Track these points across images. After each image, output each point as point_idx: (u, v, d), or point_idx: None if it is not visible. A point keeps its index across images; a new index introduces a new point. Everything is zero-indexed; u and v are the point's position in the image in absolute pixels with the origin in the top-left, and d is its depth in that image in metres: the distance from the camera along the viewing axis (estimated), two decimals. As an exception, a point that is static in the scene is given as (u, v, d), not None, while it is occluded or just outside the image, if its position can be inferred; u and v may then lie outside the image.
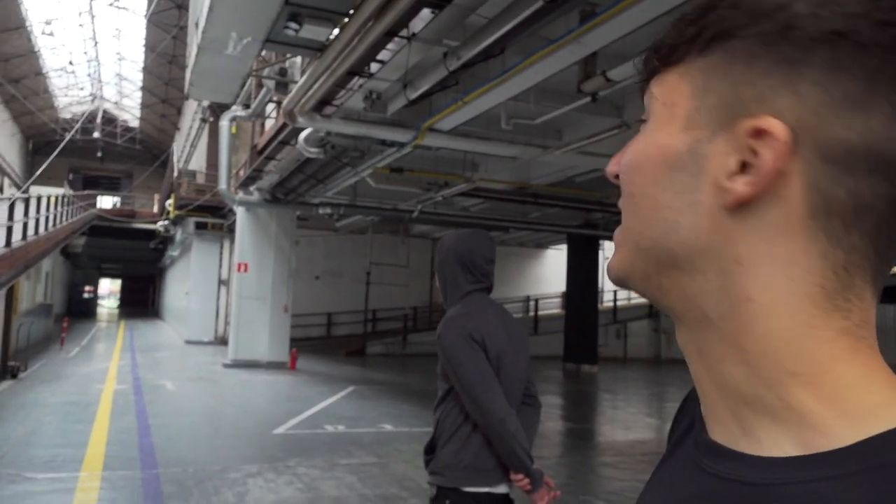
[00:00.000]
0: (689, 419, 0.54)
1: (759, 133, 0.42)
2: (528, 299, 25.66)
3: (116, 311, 51.39)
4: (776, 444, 0.42)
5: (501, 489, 2.32)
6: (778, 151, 0.41)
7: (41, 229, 16.56)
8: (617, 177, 0.51)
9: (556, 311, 23.50)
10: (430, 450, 2.45)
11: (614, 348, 22.98)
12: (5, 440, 7.34)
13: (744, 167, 0.42)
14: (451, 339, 2.32)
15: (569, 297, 20.60)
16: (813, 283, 0.42)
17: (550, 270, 25.80)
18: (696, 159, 0.45)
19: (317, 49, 8.45)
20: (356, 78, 8.62)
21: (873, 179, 0.41)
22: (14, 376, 12.24)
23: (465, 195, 14.61)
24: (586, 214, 17.43)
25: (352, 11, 7.23)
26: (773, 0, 0.43)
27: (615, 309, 24.01)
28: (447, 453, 2.33)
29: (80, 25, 28.12)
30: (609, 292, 23.54)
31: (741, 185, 0.42)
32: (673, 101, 0.47)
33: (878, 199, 0.41)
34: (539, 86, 7.76)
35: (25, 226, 12.99)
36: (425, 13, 6.96)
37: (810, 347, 0.42)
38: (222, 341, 20.58)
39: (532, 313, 25.09)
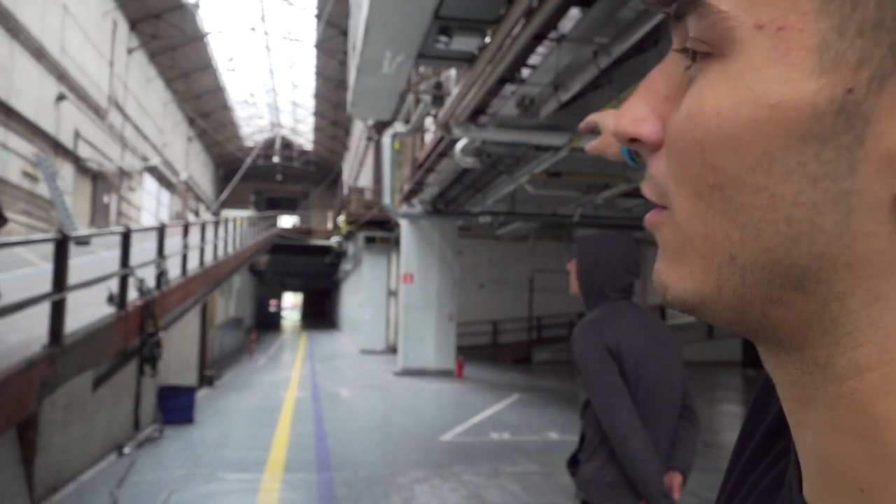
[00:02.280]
0: (774, 417, 0.41)
1: None
2: (701, 302, 24.37)
3: (299, 322, 55.12)
4: None
5: None
6: None
7: (230, 249, 18.11)
8: (634, 140, 0.33)
9: (733, 313, 22.07)
10: (574, 462, 2.32)
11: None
12: (202, 442, 8.04)
13: None
14: (582, 347, 2.22)
15: (746, 299, 19.28)
16: None
17: (725, 271, 24.36)
18: (848, 122, 0.26)
19: (468, 60, 8.57)
20: (508, 85, 8.63)
21: None
22: (210, 384, 13.43)
23: (627, 196, 14.15)
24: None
25: (500, 18, 7.25)
26: None
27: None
28: (591, 468, 2.21)
29: (259, 60, 30.55)
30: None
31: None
32: (784, 22, 0.27)
33: None
34: (699, 75, 7.35)
35: (216, 246, 14.24)
36: (574, 12, 6.82)
37: None
38: (393, 350, 21.34)
39: (706, 317, 23.82)
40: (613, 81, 7.92)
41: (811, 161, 0.27)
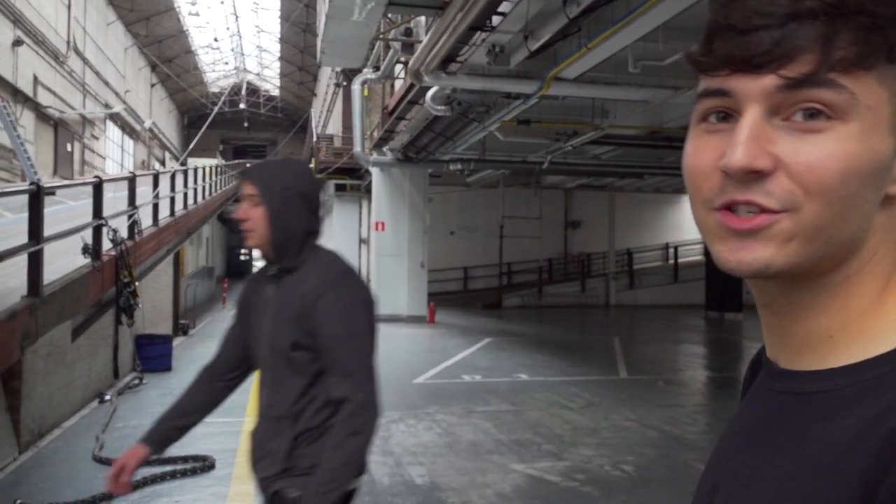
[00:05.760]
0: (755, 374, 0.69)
1: None
2: (667, 247, 24.90)
3: (269, 271, 55.07)
4: (836, 359, 0.56)
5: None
6: None
7: (199, 198, 17.97)
8: (757, 173, 0.52)
9: (698, 258, 22.64)
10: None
11: (762, 295, 21.88)
12: (181, 389, 8.18)
13: None
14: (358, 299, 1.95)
15: (710, 244, 19.77)
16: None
17: (690, 216, 24.63)
18: (892, 160, 0.53)
19: (438, 7, 8.54)
20: (478, 33, 8.64)
21: None
22: (185, 333, 13.54)
23: (596, 143, 14.32)
24: (726, 155, 16.57)
25: (470, -34, 7.23)
26: None
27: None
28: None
29: (222, 2, 29.74)
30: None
31: None
32: (875, 105, 0.51)
33: None
34: (667, 24, 7.44)
35: (186, 195, 14.15)
36: (544, -40, 6.85)
37: (890, 290, 0.56)
38: (365, 297, 21.54)
39: (672, 261, 24.36)
40: (582, 30, 7.98)
41: (879, 180, 0.53)
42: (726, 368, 11.25)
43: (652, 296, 23.36)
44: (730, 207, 0.54)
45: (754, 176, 0.52)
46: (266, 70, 40.24)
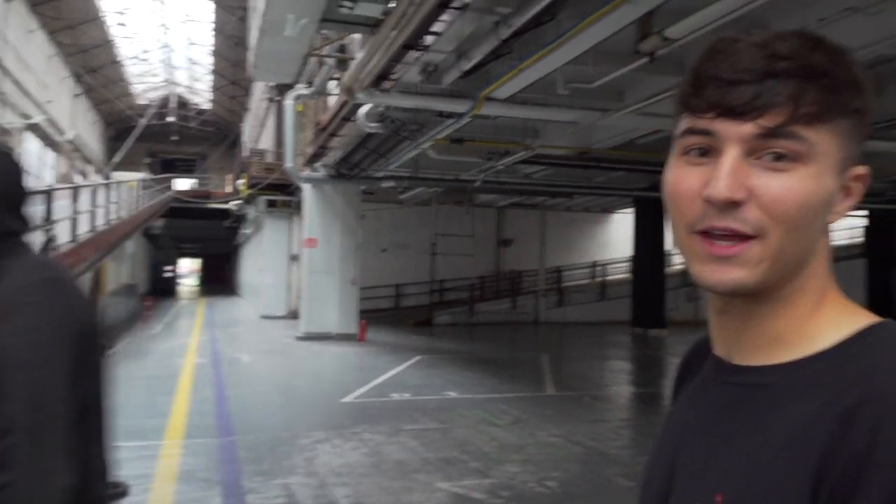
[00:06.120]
0: (695, 371, 0.82)
1: (861, 177, 0.69)
2: (594, 265, 25.42)
3: (197, 288, 53.59)
4: (782, 356, 0.68)
5: None
6: (864, 187, 0.69)
7: (123, 213, 17.39)
8: (735, 203, 0.63)
9: (625, 275, 23.19)
10: None
11: (685, 312, 22.51)
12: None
13: (842, 199, 0.68)
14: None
15: (636, 262, 20.33)
16: (828, 262, 0.71)
17: (617, 235, 25.42)
18: (834, 196, 0.66)
19: (372, 25, 8.55)
20: (412, 51, 8.67)
21: None
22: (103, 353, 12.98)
23: (527, 162, 14.53)
24: (651, 177, 17.04)
25: (402, -15, 7.27)
26: (865, 87, 0.67)
27: (686, 272, 23.50)
28: None
29: (151, 13, 29.02)
30: (678, 255, 23.02)
31: (843, 210, 0.68)
32: (828, 152, 0.64)
33: None
34: (596, 48, 7.62)
35: (108, 210, 13.67)
36: (476, -18, 6.93)
37: (824, 300, 0.69)
38: (295, 315, 21.21)
39: (599, 279, 24.89)
40: (514, 52, 8.11)
41: (826, 214, 0.66)
42: (650, 384, 11.52)
43: (580, 313, 23.76)
44: (707, 232, 0.65)
45: (732, 206, 0.63)
46: (197, 83, 39.38)
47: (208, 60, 34.90)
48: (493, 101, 9.70)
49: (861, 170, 0.68)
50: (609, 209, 25.18)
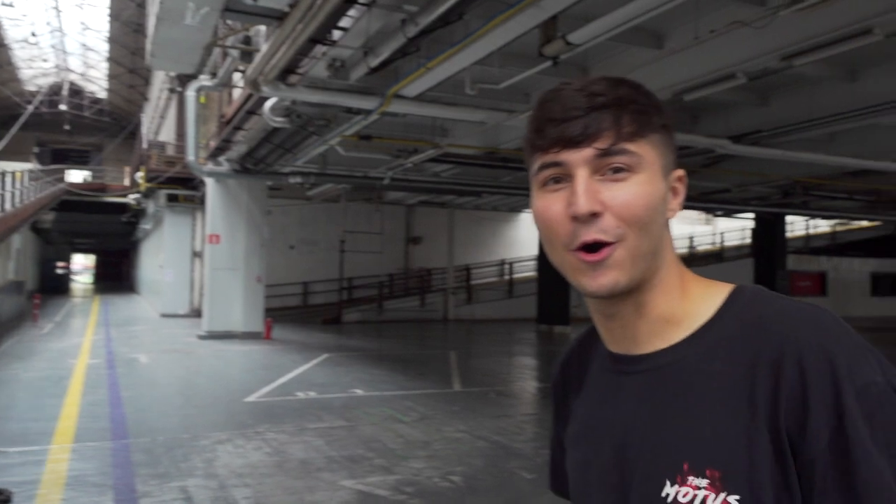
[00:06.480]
0: (576, 378, 0.94)
1: (681, 178, 0.83)
2: (503, 263, 25.86)
3: (91, 286, 50.99)
4: (677, 335, 0.80)
5: None
6: (685, 187, 0.84)
7: (8, 205, 16.35)
8: (595, 214, 0.76)
9: (531, 274, 23.70)
10: None
11: (587, 309, 23.22)
12: (-24, 416, 7.37)
13: (672, 198, 0.82)
14: None
15: (541, 260, 20.80)
16: (676, 251, 0.85)
17: (525, 234, 25.97)
18: (666, 196, 0.80)
19: (277, 17, 8.38)
20: (318, 45, 8.57)
21: None
22: (-15, 353, 12.18)
23: (436, 161, 14.62)
24: (557, 178, 17.49)
25: (309, -22, 7.16)
26: (664, 109, 0.81)
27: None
28: None
29: (41, -6, 27.41)
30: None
31: (676, 207, 0.82)
32: (652, 161, 0.78)
33: None
34: (503, 50, 7.77)
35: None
36: (383, -21, 6.92)
37: (685, 281, 0.83)
38: (197, 313, 20.56)
39: (507, 277, 25.34)
40: (422, 50, 8.15)
41: (663, 210, 0.80)
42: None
43: (488, 310, 24.12)
44: (582, 248, 0.76)
45: (593, 218, 0.75)
46: (92, 70, 37.48)
47: (104, 47, 33.28)
48: (401, 99, 9.71)
49: (680, 172, 0.83)
50: (517, 208, 25.66)
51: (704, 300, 0.81)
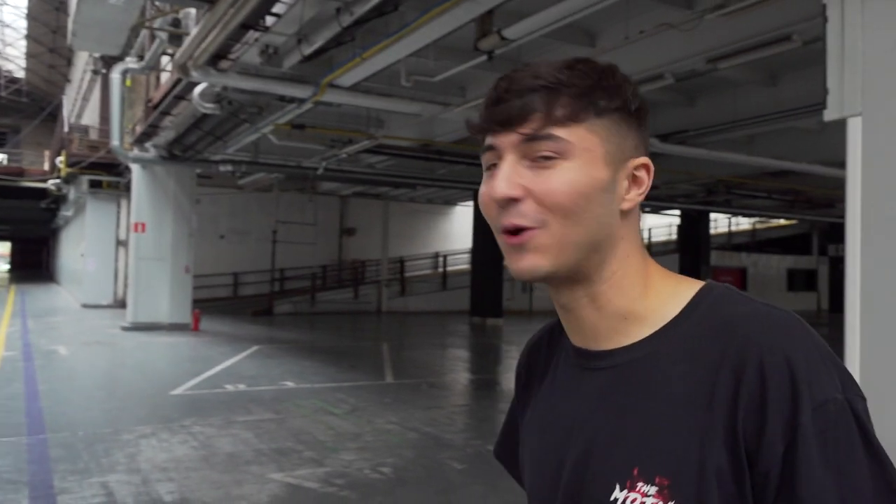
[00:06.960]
0: (542, 365, 0.90)
1: (646, 167, 0.78)
2: (437, 256, 25.94)
3: (6, 275, 48.65)
4: (640, 333, 0.77)
5: None
6: (650, 177, 0.78)
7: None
8: (514, 200, 0.73)
9: (465, 266, 23.86)
10: None
11: (521, 302, 23.59)
12: None
13: (629, 187, 0.77)
14: None
15: (474, 253, 20.98)
16: (641, 245, 0.81)
17: (459, 227, 26.11)
18: (613, 185, 0.75)
19: (208, 0, 8.16)
20: (251, 31, 8.39)
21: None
22: None
23: (371, 152, 14.54)
24: (491, 172, 17.63)
25: (241, -39, 7.00)
26: (624, 89, 0.76)
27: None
28: None
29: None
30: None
31: (634, 197, 0.77)
32: (590, 147, 0.74)
33: None
34: (438, 43, 7.77)
35: None
36: (318, -34, 6.82)
37: (650, 277, 0.79)
38: (121, 304, 19.91)
39: (441, 269, 25.44)
40: (356, 40, 8.08)
41: (605, 200, 0.74)
42: (486, 371, 11.96)
43: (422, 303, 24.16)
44: (509, 231, 0.74)
45: (513, 202, 0.73)
46: (9, 48, 35.65)
47: (22, 24, 31.71)
48: (336, 89, 9.60)
49: (641, 160, 0.78)
50: (451, 201, 25.78)
51: (670, 297, 0.78)
